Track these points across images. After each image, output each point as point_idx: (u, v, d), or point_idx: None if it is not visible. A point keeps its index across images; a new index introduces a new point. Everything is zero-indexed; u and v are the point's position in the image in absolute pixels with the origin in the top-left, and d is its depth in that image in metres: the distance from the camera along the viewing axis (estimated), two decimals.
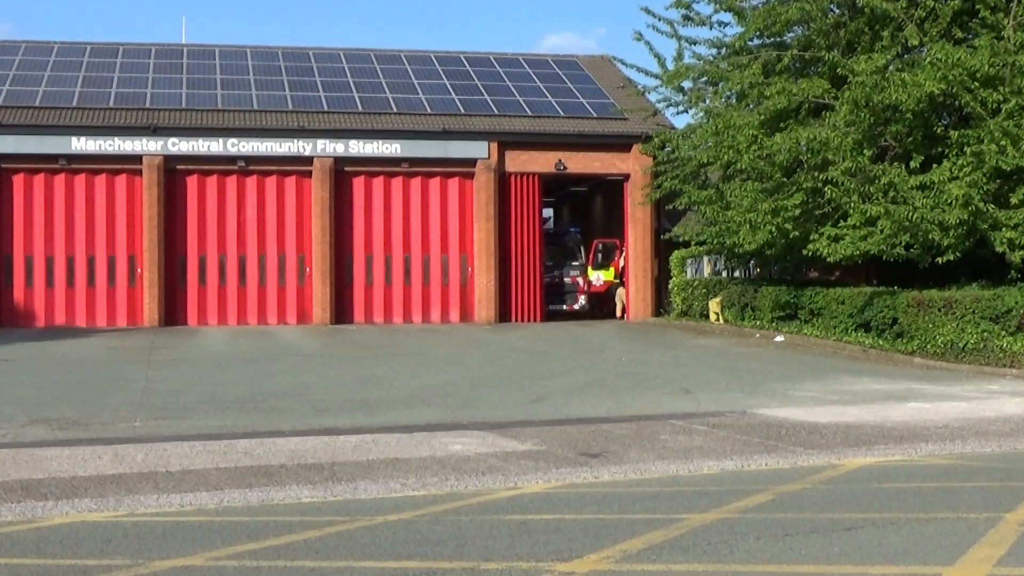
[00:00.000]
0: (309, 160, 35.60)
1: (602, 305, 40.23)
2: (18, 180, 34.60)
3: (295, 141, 35.44)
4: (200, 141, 34.94)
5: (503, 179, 36.86)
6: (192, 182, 35.42)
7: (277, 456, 11.72)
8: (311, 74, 39.56)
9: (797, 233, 28.34)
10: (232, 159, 35.32)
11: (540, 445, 12.53)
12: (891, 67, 27.26)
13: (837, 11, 29.71)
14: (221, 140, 35.04)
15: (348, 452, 11.97)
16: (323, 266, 35.45)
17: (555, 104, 38.86)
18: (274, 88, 37.96)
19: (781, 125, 29.18)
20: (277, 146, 35.39)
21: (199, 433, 13.45)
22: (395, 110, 37.07)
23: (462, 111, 37.48)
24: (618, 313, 39.07)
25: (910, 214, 24.32)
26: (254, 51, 41.53)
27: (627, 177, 37.99)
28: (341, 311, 36.00)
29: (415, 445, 12.47)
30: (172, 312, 34.96)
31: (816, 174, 26.84)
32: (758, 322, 31.58)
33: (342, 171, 36.01)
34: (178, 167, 35.09)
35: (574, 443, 12.68)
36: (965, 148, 24.81)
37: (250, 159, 35.42)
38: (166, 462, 11.31)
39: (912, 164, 26.19)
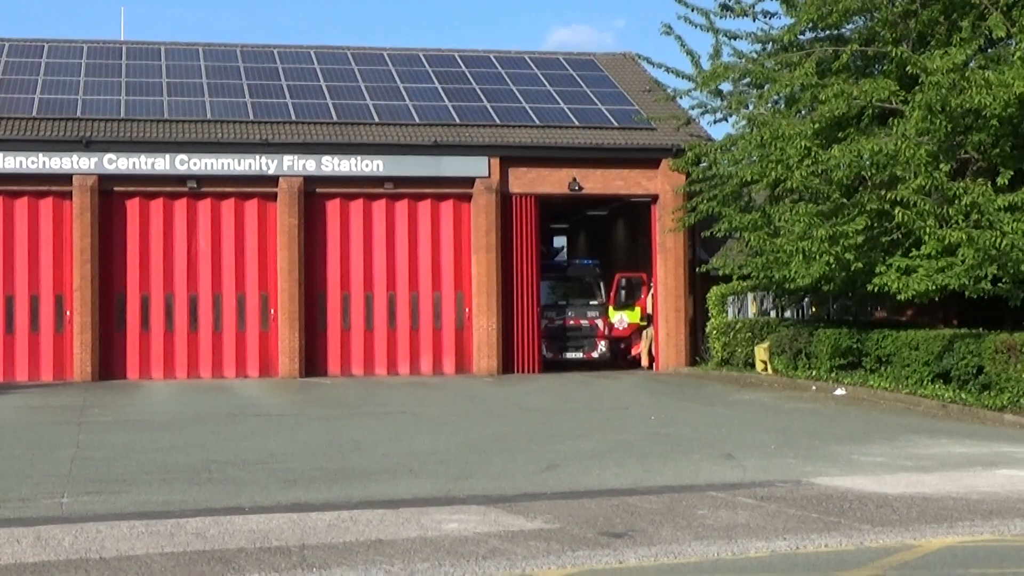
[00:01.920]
0: (274, 180, 35.69)
1: (626, 352, 40.21)
2: None
3: (257, 157, 35.54)
4: (142, 157, 35.03)
5: (506, 201, 36.93)
6: (132, 206, 35.49)
7: (235, 538, 11.66)
8: (276, 77, 39.76)
9: (860, 265, 28.31)
10: (181, 179, 35.40)
11: (552, 523, 12.48)
12: (972, 64, 27.32)
13: None
14: (168, 156, 35.13)
15: (321, 532, 11.93)
16: (291, 307, 35.47)
17: (568, 112, 39.01)
18: (232, 94, 38.12)
19: (839, 135, 29.20)
20: (235, 163, 35.49)
21: (140, 511, 13.40)
22: (377, 120, 37.21)
23: (457, 121, 37.62)
24: (644, 362, 39.05)
25: (997, 241, 24.29)
26: (207, 49, 41.75)
27: (655, 199, 38.06)
28: (313, 362, 35.98)
29: (402, 524, 12.42)
30: (108, 363, 34.96)
31: (883, 193, 26.85)
32: (814, 372, 31.53)
33: (313, 193, 36.11)
34: (116, 188, 35.17)
35: (593, 520, 12.63)
36: None
37: (203, 179, 35.51)
38: (100, 547, 11.25)
39: (999, 180, 26.19)
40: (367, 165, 36.14)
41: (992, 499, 14.00)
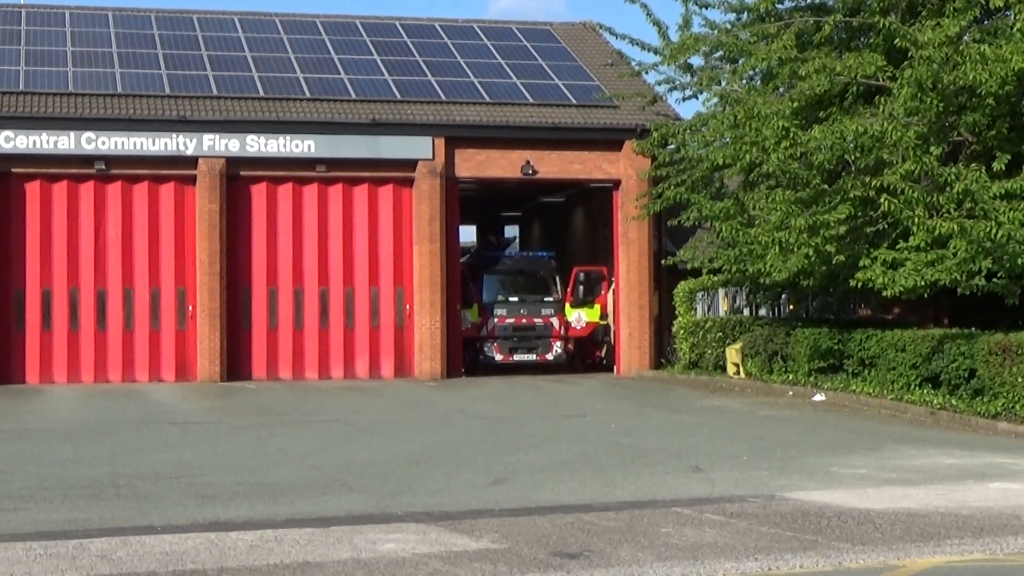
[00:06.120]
0: (193, 161, 35.55)
1: (584, 354, 40.31)
2: None
3: (173, 136, 35.38)
4: (44, 136, 34.79)
5: (452, 186, 36.92)
6: (32, 190, 35.22)
7: (145, 560, 11.62)
8: (195, 46, 39.56)
9: (842, 257, 28.45)
10: (88, 159, 35.18)
11: (500, 542, 12.50)
12: (967, 37, 27.52)
13: None
14: (73, 135, 34.90)
15: (242, 554, 11.90)
16: (211, 303, 35.33)
17: (521, 87, 39.04)
18: (145, 65, 37.92)
19: (821, 115, 29.37)
20: (149, 143, 35.30)
21: (38, 530, 13.32)
22: (308, 95, 37.13)
23: (398, 96, 37.59)
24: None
25: (993, 232, 24.48)
26: (118, 15, 41.48)
27: (617, 184, 38.15)
28: (235, 364, 35.87)
29: (332, 544, 12.42)
30: (5, 366, 34.69)
31: (867, 179, 26.98)
32: (791, 376, 31.69)
33: (237, 176, 35.98)
34: (14, 170, 34.91)
35: (546, 539, 12.65)
36: None
37: (112, 160, 35.31)
38: None
39: (995, 165, 26.40)
40: (297, 145, 36.01)
41: (984, 515, 14.11)
